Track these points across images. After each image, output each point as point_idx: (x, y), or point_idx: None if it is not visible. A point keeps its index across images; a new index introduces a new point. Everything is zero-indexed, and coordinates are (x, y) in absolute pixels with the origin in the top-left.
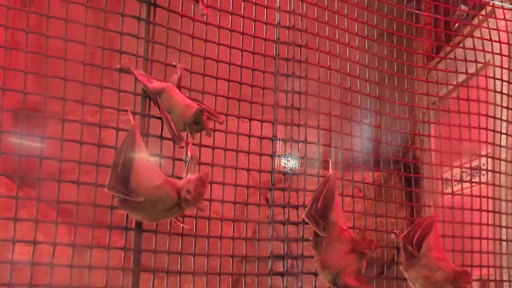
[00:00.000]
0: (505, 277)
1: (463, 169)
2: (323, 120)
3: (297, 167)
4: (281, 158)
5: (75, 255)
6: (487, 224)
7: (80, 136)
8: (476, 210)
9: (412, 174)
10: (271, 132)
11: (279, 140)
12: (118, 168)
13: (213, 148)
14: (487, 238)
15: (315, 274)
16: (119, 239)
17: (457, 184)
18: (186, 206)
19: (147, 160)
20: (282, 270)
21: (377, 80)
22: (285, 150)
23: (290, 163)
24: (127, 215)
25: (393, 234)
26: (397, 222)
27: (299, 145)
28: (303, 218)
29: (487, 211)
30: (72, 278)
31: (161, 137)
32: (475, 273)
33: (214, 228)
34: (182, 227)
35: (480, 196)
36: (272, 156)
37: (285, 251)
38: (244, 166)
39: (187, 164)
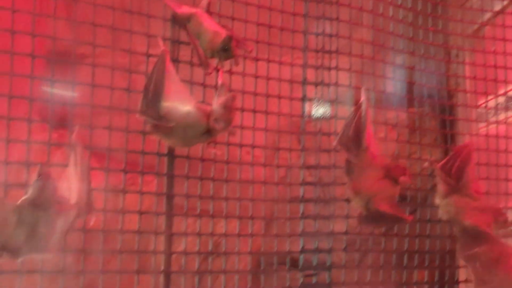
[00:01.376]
0: None
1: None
2: (355, 62)
3: (328, 111)
4: (312, 102)
5: (108, 200)
6: None
7: (110, 81)
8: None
9: (446, 115)
10: (301, 76)
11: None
12: (149, 93)
13: (243, 92)
14: None
15: (348, 200)
16: (152, 180)
17: (494, 114)
18: (216, 132)
19: (178, 85)
20: (313, 213)
21: (410, 20)
22: (316, 93)
23: (321, 107)
24: (159, 142)
25: (426, 163)
26: (430, 163)
27: (330, 89)
28: (335, 146)
29: None
30: (106, 222)
31: (191, 63)
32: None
33: (245, 173)
34: (214, 153)
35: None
36: (302, 100)
37: (317, 194)
38: (275, 110)
39: (218, 90)
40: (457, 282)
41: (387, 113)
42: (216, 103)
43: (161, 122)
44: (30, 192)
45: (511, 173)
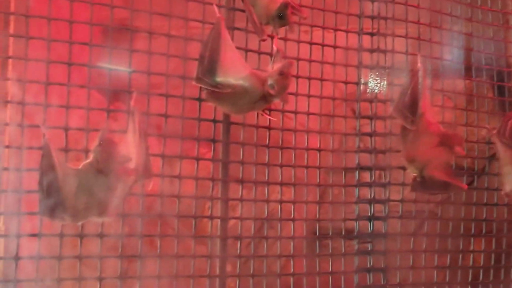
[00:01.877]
0: None
1: None
2: (411, 29)
3: (384, 78)
4: (368, 69)
5: (165, 166)
6: None
7: (167, 49)
8: None
9: (505, 82)
10: (357, 43)
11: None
12: (204, 60)
13: (298, 59)
14: None
15: (403, 168)
16: (207, 152)
17: None
18: (271, 98)
19: (233, 52)
20: (369, 181)
21: None
22: (371, 61)
23: (376, 74)
24: (215, 109)
25: (484, 130)
26: (488, 132)
27: (386, 55)
28: (391, 113)
29: None
30: (164, 187)
31: (247, 31)
32: None
33: (300, 140)
34: (270, 119)
35: None
36: (358, 67)
37: (373, 162)
38: (330, 78)
39: (273, 57)
40: None
41: (444, 81)
42: (272, 69)
43: (217, 89)
44: (91, 157)
45: None
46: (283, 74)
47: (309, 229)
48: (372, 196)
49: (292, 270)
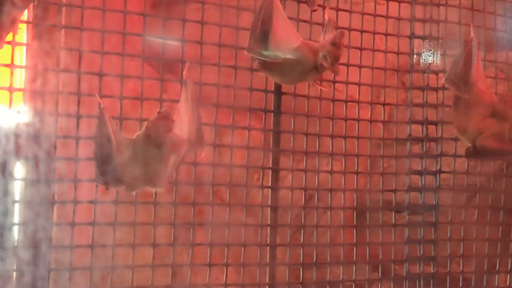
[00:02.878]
0: None
1: None
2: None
3: (436, 49)
4: (420, 39)
5: (216, 136)
6: None
7: (219, 19)
8: None
9: None
10: (409, 13)
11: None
12: (257, 30)
13: (349, 30)
14: None
15: (456, 139)
16: (257, 123)
17: None
18: (323, 69)
19: (286, 23)
20: (420, 152)
21: None
22: (424, 31)
23: (429, 45)
24: (266, 79)
25: None
26: None
27: (439, 26)
28: (443, 84)
29: None
30: (215, 157)
31: (298, 1)
32: None
33: (351, 111)
34: (321, 90)
35: None
36: (410, 37)
37: (424, 133)
38: (382, 48)
39: (324, 28)
40: None
41: (497, 53)
42: (324, 40)
43: (269, 59)
44: (146, 127)
45: None
46: (335, 45)
47: (359, 200)
48: (423, 167)
49: (342, 241)
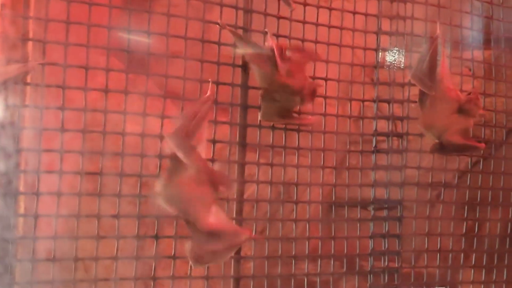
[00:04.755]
0: None
1: None
2: None
3: (402, 45)
4: (387, 36)
5: None
6: None
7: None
8: None
9: None
10: (377, 10)
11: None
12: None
13: (317, 24)
14: None
15: (421, 135)
16: (223, 118)
17: None
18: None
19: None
20: (386, 148)
21: None
22: (390, 27)
23: (395, 41)
24: (233, 73)
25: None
26: (507, 102)
27: (406, 22)
28: (409, 80)
29: None
30: None
31: None
32: None
33: (318, 107)
34: None
35: None
36: (377, 33)
37: (390, 128)
38: (349, 44)
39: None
40: None
41: (463, 50)
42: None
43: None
44: None
45: None
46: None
47: (325, 196)
48: (389, 163)
49: (307, 235)
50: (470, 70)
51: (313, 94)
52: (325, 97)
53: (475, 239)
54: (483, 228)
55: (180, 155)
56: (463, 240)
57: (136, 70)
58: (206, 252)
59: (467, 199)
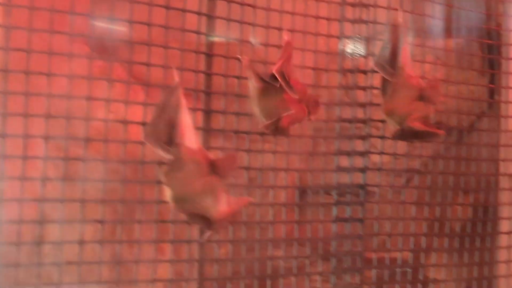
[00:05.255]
0: None
1: None
2: None
3: (366, 33)
4: (350, 23)
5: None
6: None
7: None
8: None
9: (493, 41)
10: None
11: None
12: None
13: (281, 11)
14: None
15: (383, 121)
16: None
17: None
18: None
19: None
20: (349, 133)
21: None
22: (354, 15)
23: (359, 29)
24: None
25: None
26: (473, 90)
27: (369, 10)
28: (372, 67)
29: None
30: None
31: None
32: None
33: None
34: None
35: None
36: (340, 21)
37: (353, 115)
38: (313, 31)
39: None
40: (500, 205)
41: (429, 40)
42: None
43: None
44: None
45: None
46: None
47: (292, 182)
48: (352, 148)
49: (272, 219)
50: (435, 58)
51: (316, 105)
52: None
53: (439, 223)
54: (447, 212)
55: (163, 154)
56: (423, 224)
57: (101, 56)
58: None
59: (429, 183)
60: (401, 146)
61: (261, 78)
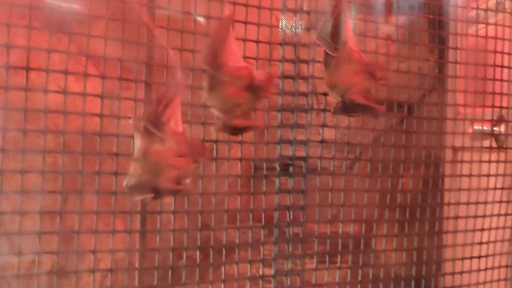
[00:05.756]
0: None
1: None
2: None
3: (309, 7)
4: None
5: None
6: (508, 67)
7: None
8: (499, 52)
9: (438, 15)
10: None
11: None
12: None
13: (222, 2)
14: (508, 81)
15: (326, 94)
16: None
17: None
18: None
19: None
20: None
21: None
22: (296, 4)
23: (301, 2)
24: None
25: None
26: (421, 66)
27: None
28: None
29: (509, 53)
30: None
31: None
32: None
33: None
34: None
35: (503, 39)
36: (282, 10)
37: (296, 88)
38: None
39: None
40: (441, 191)
41: (377, 16)
42: None
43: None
44: None
45: (498, 73)
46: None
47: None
48: (294, 121)
49: (226, 207)
50: (386, 35)
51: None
52: None
53: (377, 194)
54: (395, 185)
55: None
56: (365, 195)
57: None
58: None
59: (369, 155)
60: (354, 121)
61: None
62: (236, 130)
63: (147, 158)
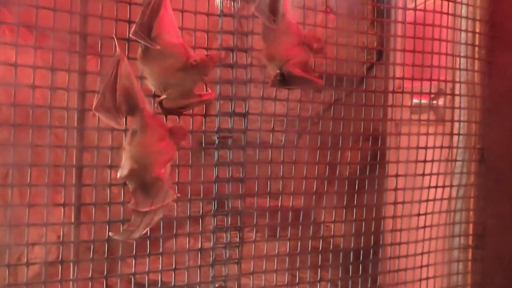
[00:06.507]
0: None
1: None
2: None
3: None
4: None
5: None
6: (446, 40)
7: None
8: (437, 26)
9: None
10: None
11: None
12: (145, 17)
13: None
14: (446, 54)
15: (264, 66)
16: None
17: None
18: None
19: (171, 18)
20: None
21: None
22: None
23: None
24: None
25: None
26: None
27: None
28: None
29: (447, 27)
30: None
31: None
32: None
33: None
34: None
35: (441, 12)
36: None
37: (234, 60)
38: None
39: None
40: (387, 163)
41: None
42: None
43: (150, 45)
44: None
45: (436, 47)
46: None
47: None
48: (233, 93)
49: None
50: (329, 8)
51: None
52: None
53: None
54: (338, 158)
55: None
56: (305, 168)
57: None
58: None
59: (308, 128)
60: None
61: None
62: (169, 112)
63: (134, 148)
